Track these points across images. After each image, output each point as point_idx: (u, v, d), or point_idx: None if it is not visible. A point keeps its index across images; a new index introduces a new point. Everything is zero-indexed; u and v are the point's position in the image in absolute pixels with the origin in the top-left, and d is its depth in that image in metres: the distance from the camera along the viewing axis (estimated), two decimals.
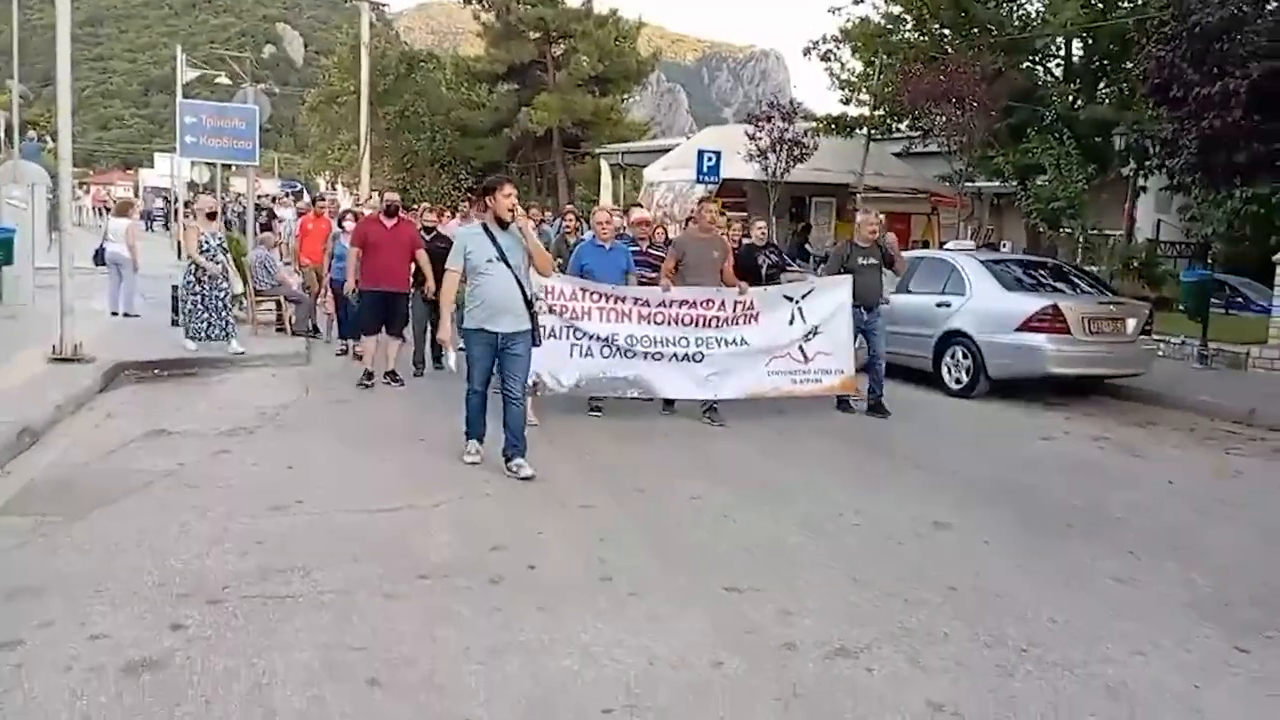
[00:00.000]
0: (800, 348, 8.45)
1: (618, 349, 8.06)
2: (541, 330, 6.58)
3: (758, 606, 4.22)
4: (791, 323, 8.43)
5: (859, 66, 21.85)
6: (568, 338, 7.94)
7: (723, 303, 8.21)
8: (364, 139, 29.14)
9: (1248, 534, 5.70)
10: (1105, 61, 18.85)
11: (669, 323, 8.13)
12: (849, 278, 8.58)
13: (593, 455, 6.98)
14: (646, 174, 22.78)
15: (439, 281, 9.54)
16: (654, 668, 3.59)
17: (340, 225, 11.38)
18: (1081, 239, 17.64)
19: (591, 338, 7.99)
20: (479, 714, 3.21)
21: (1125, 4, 18.04)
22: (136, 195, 37.72)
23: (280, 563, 4.53)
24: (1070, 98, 19.32)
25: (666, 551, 4.93)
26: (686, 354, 8.15)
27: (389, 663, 3.56)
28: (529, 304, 6.17)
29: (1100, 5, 18.42)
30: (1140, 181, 19.49)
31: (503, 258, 6.05)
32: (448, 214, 12.53)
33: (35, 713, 3.12)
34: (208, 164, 23.60)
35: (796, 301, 8.49)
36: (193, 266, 10.06)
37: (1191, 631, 4.14)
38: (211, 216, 10.63)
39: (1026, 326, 9.45)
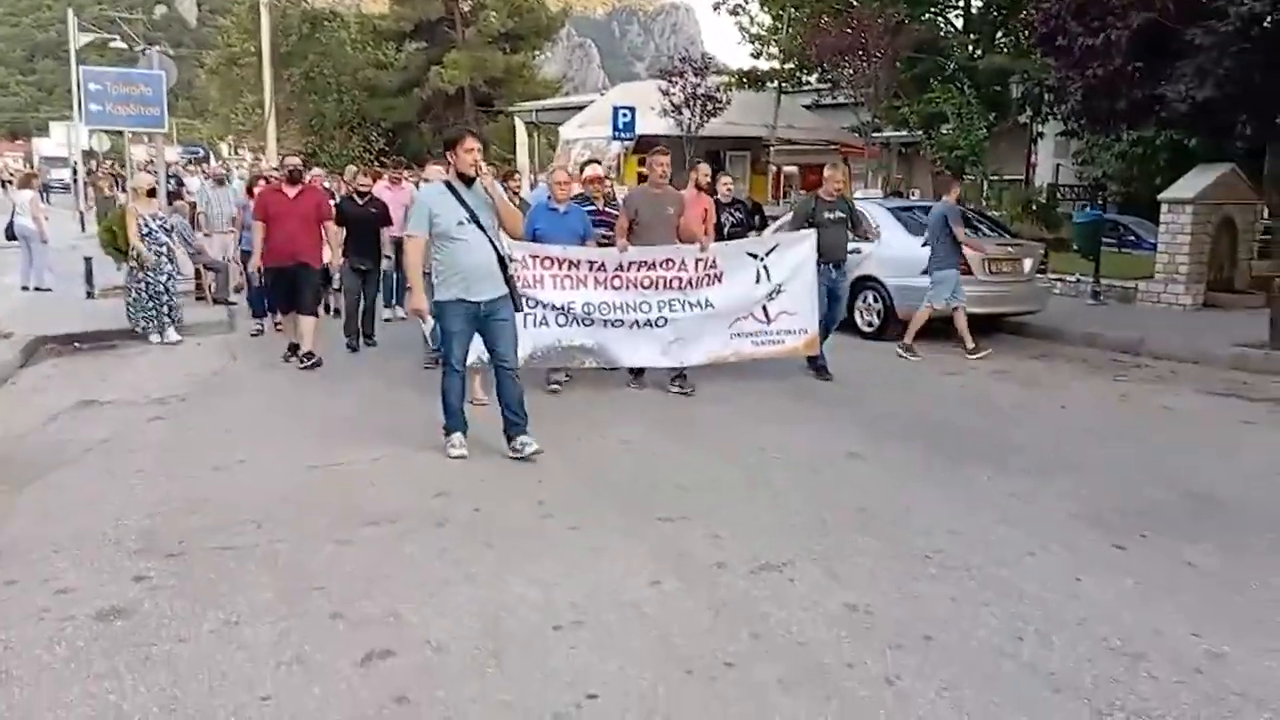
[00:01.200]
0: (764, 307, 7.96)
1: (574, 317, 7.47)
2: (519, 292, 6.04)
3: (688, 533, 4.56)
4: (758, 281, 7.90)
5: (768, 20, 22.14)
6: (519, 307, 7.36)
7: (683, 262, 7.63)
8: (268, 102, 28.45)
9: (1129, 451, 6.24)
10: (1002, 12, 19.47)
11: (628, 286, 7.54)
12: (813, 233, 8.10)
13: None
14: (562, 131, 22.82)
15: (364, 249, 9.25)
16: (597, 590, 3.92)
17: (250, 193, 10.47)
18: (984, 184, 18.37)
19: (545, 306, 7.38)
20: (439, 636, 3.49)
21: None
22: (30, 166, 36.21)
23: (230, 517, 4.72)
24: (970, 48, 19.95)
25: (602, 490, 5.25)
26: (649, 319, 7.59)
27: (347, 599, 3.81)
28: (504, 267, 5.68)
29: None
30: (1038, 128, 20.28)
31: (474, 218, 5.50)
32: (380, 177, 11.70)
33: (17, 658, 3.30)
34: (108, 132, 22.90)
35: (761, 259, 7.94)
36: (135, 253, 9.38)
37: (1076, 536, 4.63)
38: (151, 194, 9.87)
39: None
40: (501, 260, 5.66)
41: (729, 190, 10.02)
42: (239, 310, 11.24)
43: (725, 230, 9.41)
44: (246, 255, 9.67)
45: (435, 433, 5.97)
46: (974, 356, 9.24)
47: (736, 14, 21.94)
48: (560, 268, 7.44)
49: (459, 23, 39.51)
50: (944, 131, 18.33)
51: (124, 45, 29.84)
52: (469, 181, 5.55)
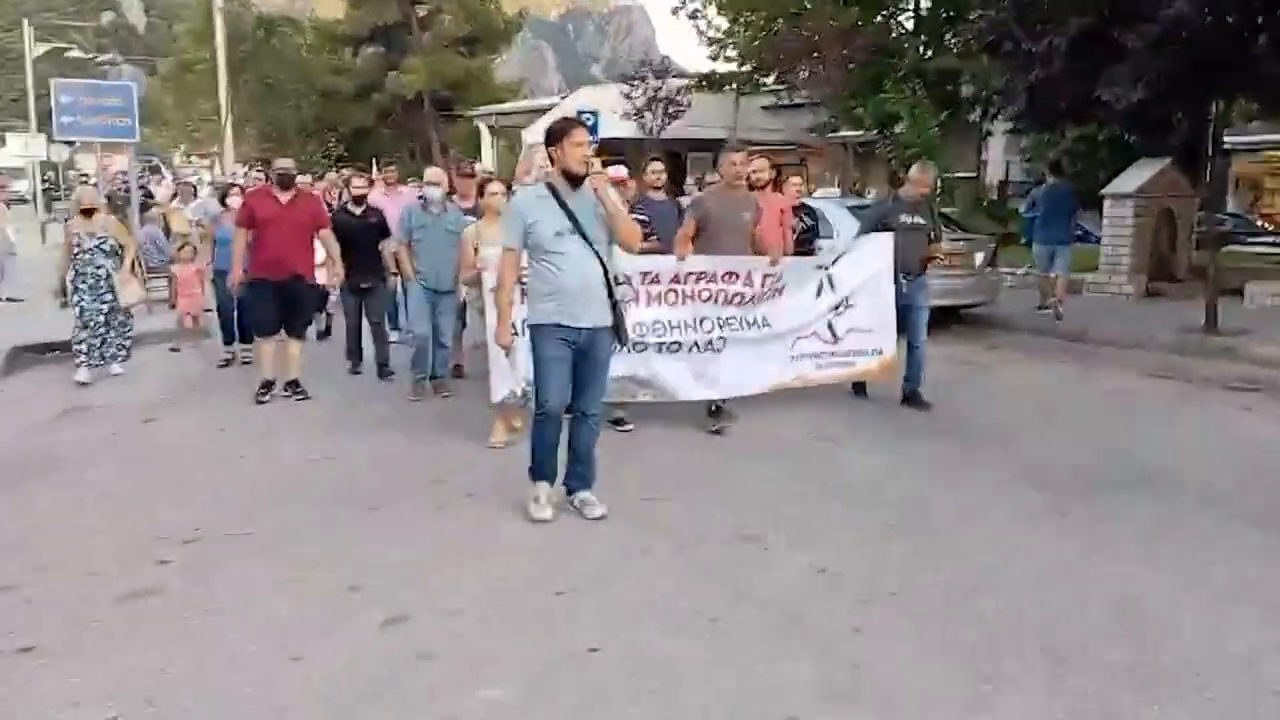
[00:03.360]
0: (829, 324, 6.93)
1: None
2: (626, 326, 4.90)
3: (670, 510, 4.93)
4: (819, 294, 6.88)
5: (725, 23, 22.58)
6: None
7: (749, 275, 6.55)
8: (225, 109, 28.39)
9: (1075, 428, 6.71)
10: (951, 14, 20.04)
11: (684, 300, 6.44)
12: (889, 236, 7.00)
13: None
14: (525, 135, 23.08)
15: (365, 265, 7.98)
16: (590, 559, 4.27)
17: (223, 203, 9.38)
18: (938, 182, 18.91)
19: None
20: (453, 602, 3.83)
21: None
22: None
23: (240, 507, 5.02)
24: (920, 49, 20.49)
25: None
26: (709, 340, 6.55)
27: (360, 572, 4.13)
28: (611, 290, 4.70)
29: None
30: (987, 126, 20.90)
31: (578, 229, 4.57)
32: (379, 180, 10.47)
33: (54, 634, 3.58)
34: (66, 143, 22.82)
35: (826, 269, 6.95)
36: (72, 274, 8.21)
37: (1021, 499, 5.08)
38: (87, 214, 8.30)
39: None
40: (608, 281, 4.66)
41: (798, 192, 8.75)
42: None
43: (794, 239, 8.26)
44: (222, 274, 8.56)
45: (433, 425, 6.24)
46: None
47: (695, 17, 22.38)
48: None
49: (416, 27, 39.53)
50: (898, 131, 18.85)
51: (81, 54, 29.57)
52: (576, 182, 4.63)
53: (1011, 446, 6.10)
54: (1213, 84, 9.32)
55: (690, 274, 6.42)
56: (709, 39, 22.78)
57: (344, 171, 12.57)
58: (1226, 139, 21.06)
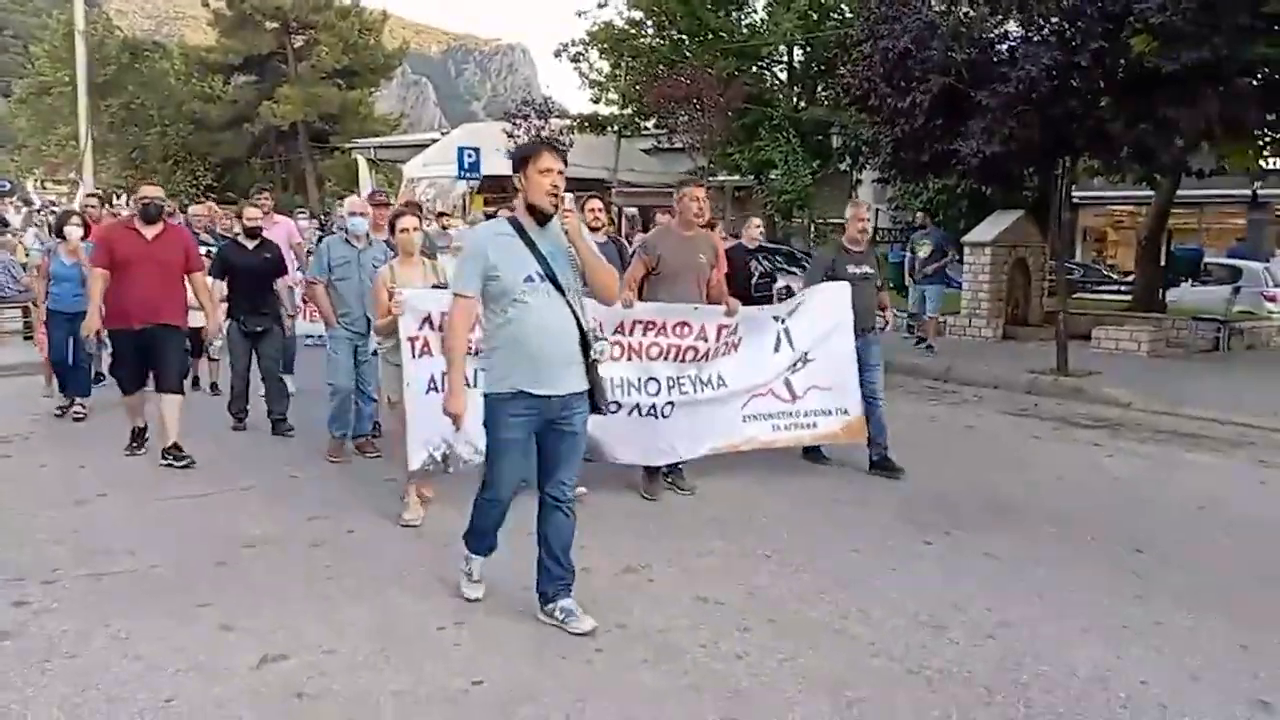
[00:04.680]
0: (786, 381, 6.29)
1: None
2: (605, 389, 4.17)
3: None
4: (777, 349, 6.24)
5: (606, 67, 23.01)
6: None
7: (703, 329, 5.86)
8: (84, 134, 27.17)
9: (937, 463, 7.03)
10: (822, 67, 20.96)
11: (630, 356, 5.73)
12: (845, 285, 6.42)
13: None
14: (406, 170, 22.91)
15: (257, 304, 7.28)
16: (493, 596, 4.27)
17: (59, 234, 8.20)
18: (812, 227, 19.70)
19: None
20: (330, 640, 3.75)
21: (835, 17, 20.18)
22: None
23: (101, 546, 4.81)
24: (794, 100, 21.36)
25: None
26: (652, 405, 5.79)
27: (235, 613, 4.00)
28: (587, 348, 3.90)
29: (815, 17, 20.49)
30: (856, 175, 21.87)
31: (549, 274, 3.78)
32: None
33: None
34: None
35: (783, 320, 6.33)
36: None
37: (892, 531, 5.31)
38: None
39: None
40: (584, 337, 3.88)
41: (759, 234, 8.16)
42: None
43: (754, 282, 7.73)
44: (54, 315, 7.88)
45: (306, 461, 6.08)
46: None
47: (577, 61, 22.73)
48: None
49: (291, 57, 38.93)
50: (773, 177, 19.54)
51: None
52: (543, 219, 3.84)
53: (878, 483, 6.36)
54: (1060, 142, 10.02)
55: (637, 323, 5.66)
56: (591, 81, 23.17)
57: (208, 204, 12.21)
58: (1076, 194, 22.68)
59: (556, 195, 3.77)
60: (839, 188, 22.39)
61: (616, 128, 22.34)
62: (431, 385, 5.12)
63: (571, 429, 3.89)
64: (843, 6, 20.01)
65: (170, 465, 6.31)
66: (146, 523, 5.22)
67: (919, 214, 11.52)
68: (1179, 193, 15.31)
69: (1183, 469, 7.03)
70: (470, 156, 17.89)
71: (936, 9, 10.35)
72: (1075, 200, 23.66)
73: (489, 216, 12.16)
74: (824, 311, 6.36)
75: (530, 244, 3.80)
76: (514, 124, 19.44)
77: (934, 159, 10.67)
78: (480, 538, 4.15)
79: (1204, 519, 5.76)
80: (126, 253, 6.39)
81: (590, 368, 3.89)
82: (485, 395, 3.88)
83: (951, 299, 14.63)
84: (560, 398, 3.81)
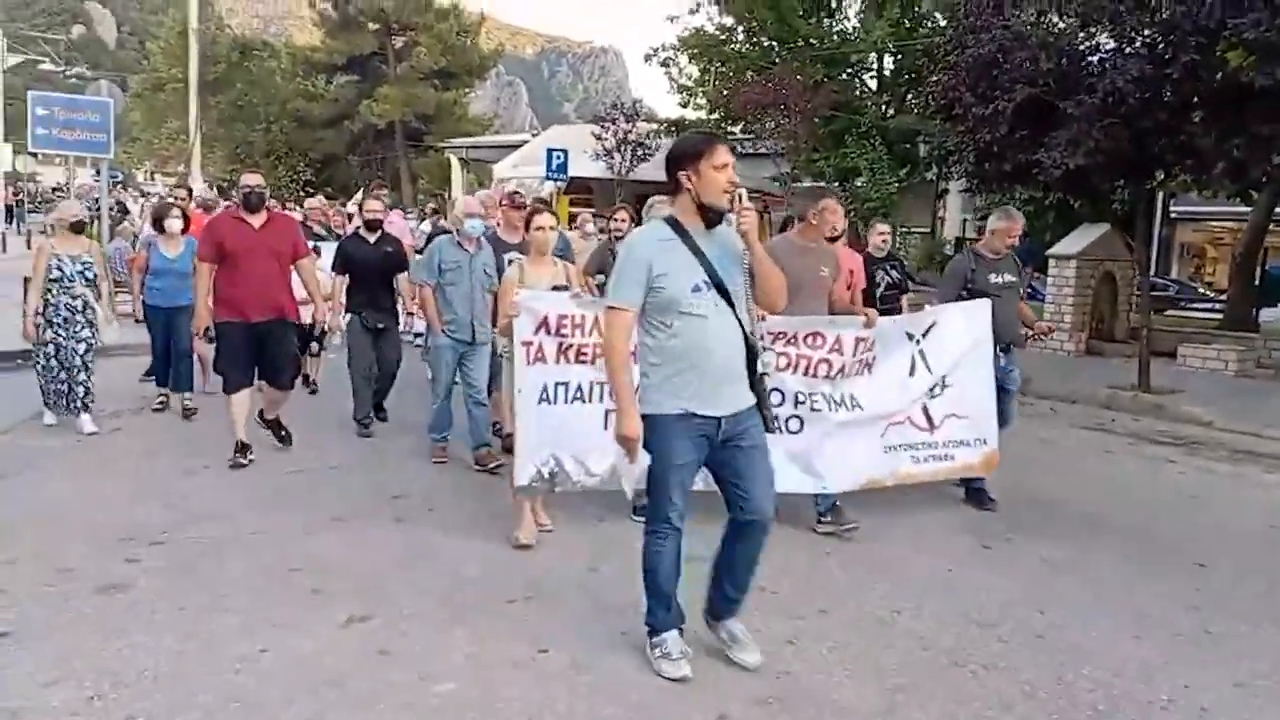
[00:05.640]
0: (924, 409, 5.74)
1: None
2: (771, 403, 3.85)
3: (614, 529, 5.19)
4: (912, 372, 5.69)
5: (696, 72, 23.22)
6: (600, 397, 4.99)
7: (838, 340, 5.36)
8: (194, 128, 28.49)
9: (1006, 474, 6.88)
10: (912, 76, 20.82)
11: None
12: (985, 304, 5.85)
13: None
14: (496, 170, 23.48)
15: (378, 301, 7.16)
16: (555, 573, 4.54)
17: (159, 227, 7.97)
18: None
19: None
20: (410, 605, 4.06)
21: (928, 26, 20.05)
22: None
23: (203, 512, 5.23)
24: (882, 108, 21.27)
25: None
26: (775, 416, 4.74)
27: (323, 576, 4.35)
28: (753, 361, 3.55)
29: (907, 25, 20.39)
30: (943, 184, 21.67)
31: (715, 282, 3.46)
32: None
33: (28, 623, 3.76)
34: (31, 154, 22.73)
35: (918, 340, 5.72)
36: (41, 305, 6.95)
37: (952, 534, 5.43)
38: (77, 229, 7.32)
39: None
40: (751, 350, 3.55)
41: (884, 241, 7.60)
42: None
43: (878, 294, 7.27)
44: (153, 310, 7.74)
45: (398, 447, 6.46)
46: None
47: (667, 66, 23.01)
48: None
49: (391, 58, 40.08)
50: (858, 184, 19.50)
51: (52, 67, 29.58)
52: (714, 221, 3.52)
53: (943, 493, 6.41)
54: (1148, 156, 9.89)
55: (766, 334, 5.03)
56: (679, 86, 23.40)
57: (319, 198, 12.57)
58: (1173, 209, 22.07)
59: (733, 195, 3.42)
60: (924, 196, 22.22)
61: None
62: (544, 395, 4.86)
63: (751, 443, 3.55)
64: (936, 15, 19.89)
65: (270, 434, 6.48)
66: (245, 493, 5.62)
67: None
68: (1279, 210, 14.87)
69: (1258, 489, 6.95)
70: (558, 158, 18.30)
71: (1027, 20, 10.30)
72: (1173, 215, 23.08)
73: (572, 220, 12.39)
74: (962, 331, 5.80)
75: (695, 249, 3.46)
76: (603, 126, 19.79)
77: (1016, 169, 10.61)
78: (661, 597, 3.62)
79: (1273, 538, 5.73)
80: (236, 244, 6.17)
81: (757, 382, 3.55)
82: (648, 417, 3.47)
83: (1034, 312, 14.46)
84: (730, 417, 3.48)
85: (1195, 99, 9.39)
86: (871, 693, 3.49)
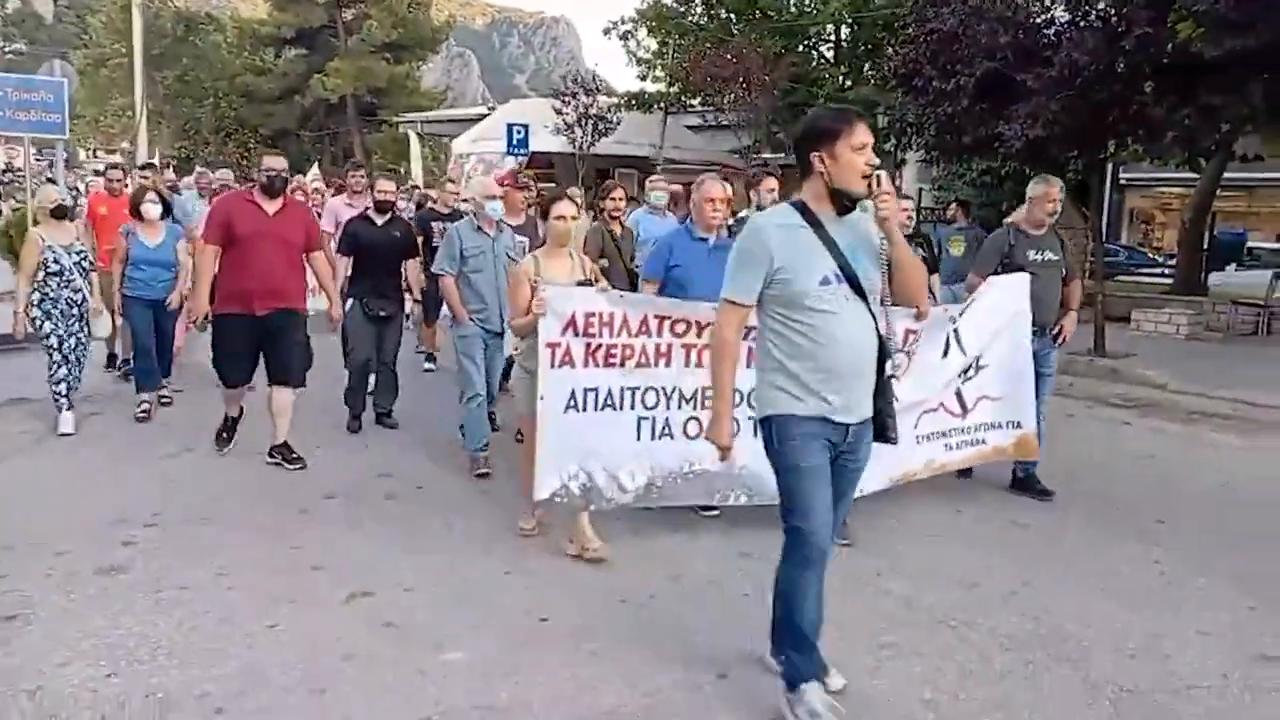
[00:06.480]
0: (957, 393, 5.39)
1: None
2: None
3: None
4: (945, 353, 5.26)
5: (654, 45, 23.20)
6: (632, 404, 4.68)
7: (889, 329, 4.38)
8: (140, 105, 27.89)
9: None
10: (869, 47, 21.00)
11: None
12: (1024, 278, 5.50)
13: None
14: (455, 145, 23.29)
15: (384, 287, 6.73)
16: (551, 540, 4.66)
17: (135, 214, 7.25)
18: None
19: (671, 398, 4.74)
20: (410, 579, 4.17)
21: None
22: None
23: (195, 495, 5.27)
24: (840, 79, 21.42)
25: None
26: None
27: (322, 553, 4.44)
28: (883, 361, 3.17)
29: None
30: (901, 155, 21.92)
31: (848, 274, 3.09)
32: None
33: (38, 605, 3.82)
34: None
35: (955, 320, 5.31)
36: (38, 298, 6.58)
37: (926, 499, 5.58)
38: (60, 215, 6.80)
39: None
40: (883, 349, 3.18)
41: (909, 219, 6.62)
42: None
43: None
44: (134, 301, 7.11)
45: (378, 430, 6.55)
46: None
47: (626, 39, 22.97)
48: (697, 334, 4.69)
49: (341, 31, 39.41)
50: None
51: None
52: (848, 207, 3.16)
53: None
54: (1103, 126, 10.15)
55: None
56: (638, 59, 23.37)
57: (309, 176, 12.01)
58: (1123, 175, 22.53)
59: (871, 178, 3.05)
60: (883, 167, 22.48)
61: (663, 105, 22.56)
62: (571, 402, 4.49)
63: (856, 464, 3.24)
64: None
65: (279, 465, 5.87)
66: (233, 477, 5.67)
67: (953, 205, 11.45)
68: (1228, 176, 15.27)
69: (1209, 448, 7.27)
70: (519, 133, 18.21)
71: None
72: (1122, 182, 23.55)
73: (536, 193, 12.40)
74: (999, 308, 5.41)
75: (826, 238, 3.09)
76: (563, 101, 19.71)
77: (977, 141, 10.84)
78: (800, 640, 3.18)
79: (1225, 496, 6.01)
80: (246, 229, 5.72)
81: (883, 386, 3.16)
82: (770, 419, 3.14)
83: None
84: (857, 426, 3.15)
85: (1147, 70, 9.65)
86: (861, 650, 3.67)
